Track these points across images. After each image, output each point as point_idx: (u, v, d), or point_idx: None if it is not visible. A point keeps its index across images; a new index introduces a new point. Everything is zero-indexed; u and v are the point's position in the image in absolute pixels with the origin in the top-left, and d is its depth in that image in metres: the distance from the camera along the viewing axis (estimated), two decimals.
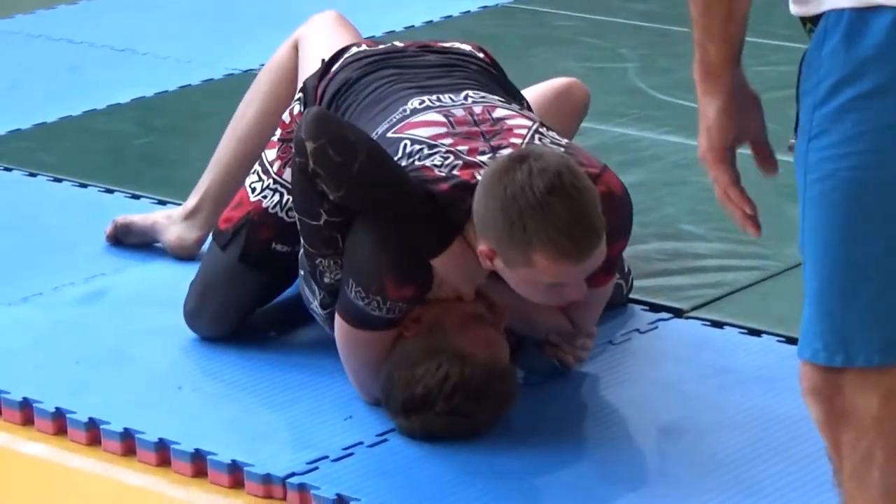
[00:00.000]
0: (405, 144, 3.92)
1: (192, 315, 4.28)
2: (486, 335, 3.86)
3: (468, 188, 3.79)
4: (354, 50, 4.28)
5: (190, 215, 4.59)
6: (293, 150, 3.86)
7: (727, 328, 4.28)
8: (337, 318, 3.92)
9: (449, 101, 4.08)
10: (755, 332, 4.25)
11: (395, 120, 4.02)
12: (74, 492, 3.79)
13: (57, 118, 5.60)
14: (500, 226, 3.67)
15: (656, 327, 4.29)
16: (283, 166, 4.16)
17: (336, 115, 4.04)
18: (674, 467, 3.77)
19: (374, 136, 3.96)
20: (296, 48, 4.50)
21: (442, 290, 3.87)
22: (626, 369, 4.14)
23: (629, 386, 4.08)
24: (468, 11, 6.54)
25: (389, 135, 3.96)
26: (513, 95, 4.30)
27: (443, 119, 4.00)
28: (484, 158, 3.87)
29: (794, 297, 4.36)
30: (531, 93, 4.56)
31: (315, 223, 3.89)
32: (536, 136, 3.99)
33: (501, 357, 3.87)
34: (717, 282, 4.47)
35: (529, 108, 4.29)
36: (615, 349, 4.20)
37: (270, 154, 4.24)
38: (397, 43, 4.35)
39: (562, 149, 3.95)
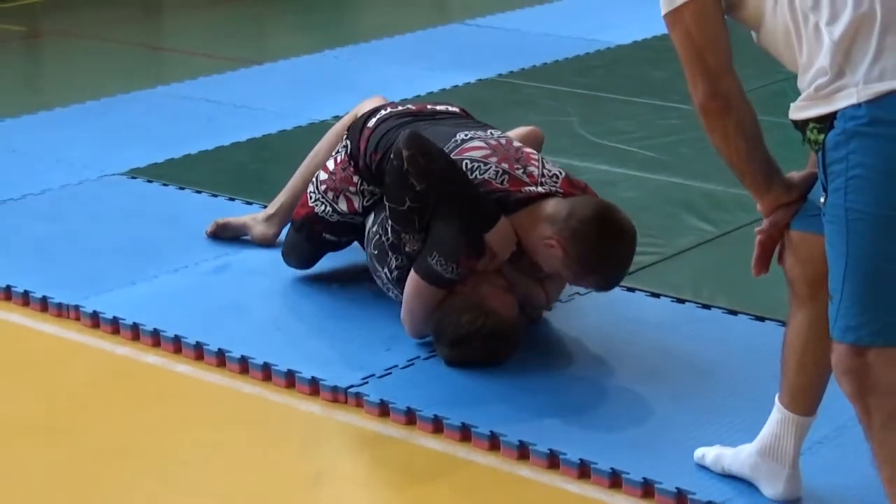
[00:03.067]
0: (466, 163, 3.92)
1: (283, 259, 4.35)
2: (507, 300, 3.88)
3: (512, 193, 3.86)
4: (383, 112, 4.23)
5: (269, 219, 4.57)
6: (392, 156, 3.89)
7: (637, 292, 4.26)
8: (412, 275, 3.88)
9: (482, 134, 4.08)
10: (655, 295, 4.23)
11: (451, 147, 3.99)
12: (210, 397, 3.78)
13: (197, 151, 5.58)
14: (584, 255, 3.76)
15: (590, 291, 4.25)
16: (327, 189, 4.17)
17: (423, 134, 3.98)
18: (598, 381, 3.78)
19: None
20: (355, 118, 4.48)
21: (486, 266, 3.87)
22: (570, 319, 4.12)
23: (572, 330, 4.07)
24: (468, 83, 6.51)
25: (453, 157, 3.94)
26: None
27: (485, 145, 4.00)
28: (519, 173, 3.92)
29: (683, 273, 4.39)
30: (511, 133, 4.55)
31: (401, 208, 3.89)
32: (542, 160, 4.05)
33: (514, 314, 3.88)
34: None
35: None
36: (563, 305, 4.18)
37: (322, 175, 4.23)
38: (410, 106, 4.29)
39: (560, 171, 4.02)
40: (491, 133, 4.10)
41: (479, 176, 3.88)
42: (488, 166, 3.91)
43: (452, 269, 3.82)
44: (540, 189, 3.88)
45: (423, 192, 3.84)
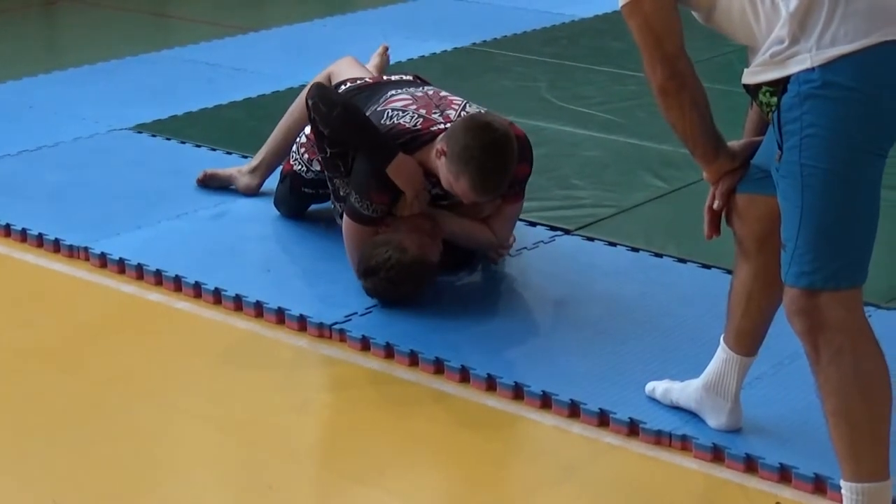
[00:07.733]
0: (387, 112, 3.91)
1: (275, 207, 4.36)
2: (421, 240, 3.79)
3: (423, 132, 3.80)
4: (342, 88, 4.19)
5: (253, 171, 4.54)
6: (307, 109, 3.90)
7: (595, 241, 4.23)
8: (344, 216, 3.88)
9: (412, 90, 4.06)
10: (612, 244, 4.20)
11: (379, 101, 4.00)
12: (207, 332, 3.75)
13: (198, 109, 5.52)
14: (456, 150, 3.63)
15: (553, 240, 4.24)
16: (305, 152, 4.17)
17: (328, 86, 3.99)
18: (559, 322, 3.76)
19: (368, 111, 3.95)
20: (328, 77, 4.42)
21: (405, 210, 3.82)
22: (533, 265, 4.09)
23: (535, 275, 4.03)
24: (445, 50, 6.45)
25: (378, 109, 3.94)
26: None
27: (409, 97, 3.98)
28: (436, 116, 3.87)
29: (637, 224, 4.36)
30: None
31: (325, 155, 3.92)
32: (466, 104, 3.97)
33: (428, 255, 3.78)
34: (590, 214, 4.41)
35: None
36: (528, 252, 4.15)
37: (302, 139, 4.22)
38: (368, 79, 4.23)
39: (481, 110, 3.93)
40: (424, 89, 4.07)
41: (395, 121, 3.85)
42: (406, 113, 3.88)
43: (368, 206, 3.79)
44: (449, 125, 3.81)
45: (332, 138, 3.82)
